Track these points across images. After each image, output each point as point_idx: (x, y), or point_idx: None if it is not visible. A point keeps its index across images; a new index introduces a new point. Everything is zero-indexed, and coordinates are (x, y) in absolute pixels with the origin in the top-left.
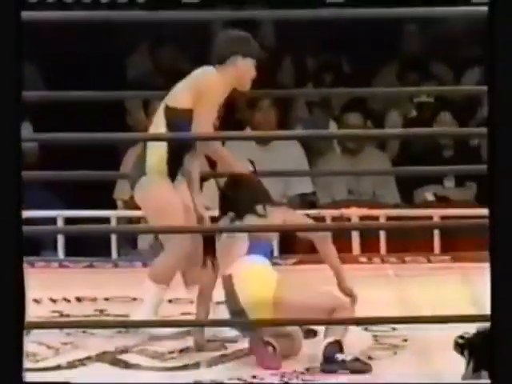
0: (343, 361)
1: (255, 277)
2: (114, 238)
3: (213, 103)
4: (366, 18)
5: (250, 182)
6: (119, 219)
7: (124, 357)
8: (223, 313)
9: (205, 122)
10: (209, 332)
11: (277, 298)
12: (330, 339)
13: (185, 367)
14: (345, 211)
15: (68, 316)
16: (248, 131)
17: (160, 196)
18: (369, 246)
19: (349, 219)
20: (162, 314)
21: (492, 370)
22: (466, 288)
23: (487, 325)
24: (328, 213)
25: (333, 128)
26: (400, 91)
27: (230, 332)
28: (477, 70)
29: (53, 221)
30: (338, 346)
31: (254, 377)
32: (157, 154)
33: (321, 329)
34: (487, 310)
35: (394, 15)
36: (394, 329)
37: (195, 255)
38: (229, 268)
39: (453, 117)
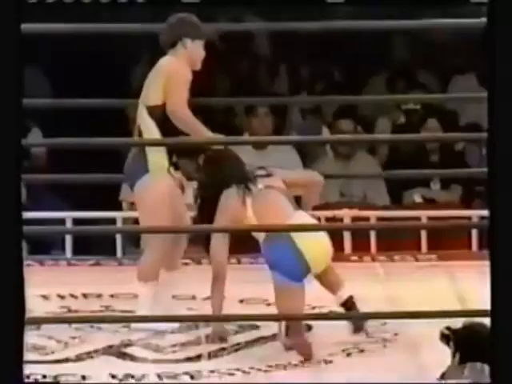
0: None
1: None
2: (119, 237)
3: (184, 84)
4: (360, 31)
5: (229, 155)
6: (124, 220)
7: (129, 350)
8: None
9: (178, 102)
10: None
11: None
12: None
13: (187, 360)
14: (337, 212)
15: (75, 311)
16: (246, 136)
17: (164, 193)
18: (360, 245)
19: (341, 220)
20: (165, 310)
21: (492, 369)
22: (451, 285)
23: (474, 319)
24: (321, 214)
25: (325, 134)
26: (389, 99)
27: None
28: (461, 78)
29: (61, 222)
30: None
31: (251, 368)
32: (157, 150)
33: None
34: (471, 305)
35: (391, 27)
36: (384, 323)
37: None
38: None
39: (439, 123)
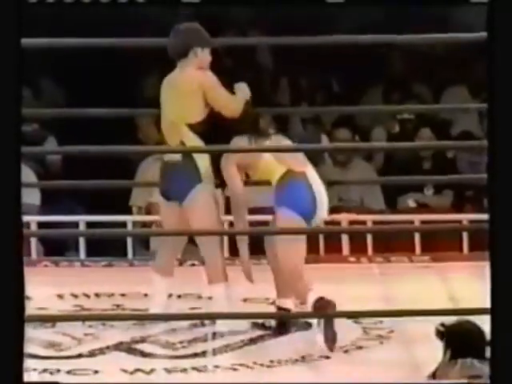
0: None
1: None
2: (129, 240)
3: (220, 86)
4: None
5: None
6: (134, 223)
7: (139, 346)
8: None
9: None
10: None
11: None
12: None
13: (193, 355)
14: (335, 216)
15: (88, 310)
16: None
17: (216, 199)
18: (357, 247)
19: (339, 223)
20: (173, 308)
21: (492, 369)
22: (443, 284)
23: (464, 317)
24: None
25: (324, 142)
26: (384, 109)
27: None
28: (453, 90)
29: (75, 225)
30: None
31: (254, 363)
32: (205, 160)
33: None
34: (463, 304)
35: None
36: (380, 321)
37: None
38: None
39: (432, 132)
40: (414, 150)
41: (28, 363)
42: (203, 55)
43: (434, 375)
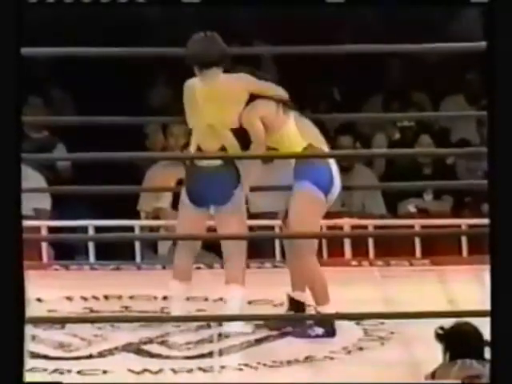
0: None
1: None
2: (137, 244)
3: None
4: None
5: None
6: (142, 228)
7: (147, 347)
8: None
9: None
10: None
11: None
12: None
13: (199, 356)
14: (338, 221)
15: (97, 312)
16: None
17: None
18: (359, 251)
19: (341, 228)
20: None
21: (492, 369)
22: (442, 287)
23: (462, 319)
24: (323, 222)
25: (326, 149)
26: (385, 117)
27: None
28: (452, 99)
29: (85, 229)
30: None
31: (258, 363)
32: (240, 163)
33: None
34: (461, 307)
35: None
36: (381, 323)
37: None
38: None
39: (431, 139)
40: (414, 156)
41: (38, 363)
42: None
43: (433, 376)
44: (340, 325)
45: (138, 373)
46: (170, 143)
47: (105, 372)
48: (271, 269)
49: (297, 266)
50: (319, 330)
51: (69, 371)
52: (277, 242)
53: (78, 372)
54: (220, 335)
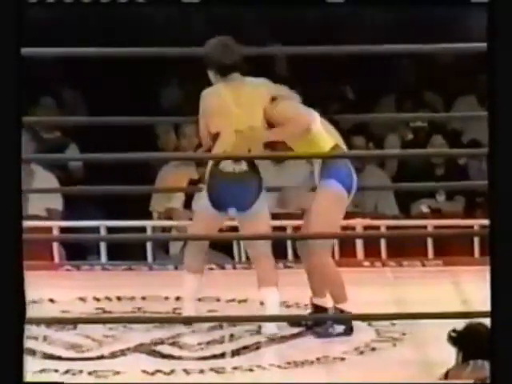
0: None
1: None
2: (149, 244)
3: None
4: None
5: None
6: (154, 228)
7: (158, 348)
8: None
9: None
10: None
11: None
12: None
13: (212, 357)
14: (350, 222)
15: (109, 312)
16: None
17: None
18: (371, 252)
19: (354, 228)
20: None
21: (492, 369)
22: (455, 288)
23: (475, 320)
24: None
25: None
26: (398, 117)
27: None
28: (464, 99)
29: (96, 230)
30: None
31: (271, 364)
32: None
33: None
34: (474, 307)
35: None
36: (393, 324)
37: None
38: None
39: (444, 140)
40: (427, 156)
41: (50, 364)
42: None
43: (446, 377)
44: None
45: (151, 374)
46: (182, 143)
47: (117, 373)
48: (283, 269)
49: (314, 266)
50: (340, 328)
51: (80, 372)
52: (288, 243)
53: (90, 373)
54: (231, 336)
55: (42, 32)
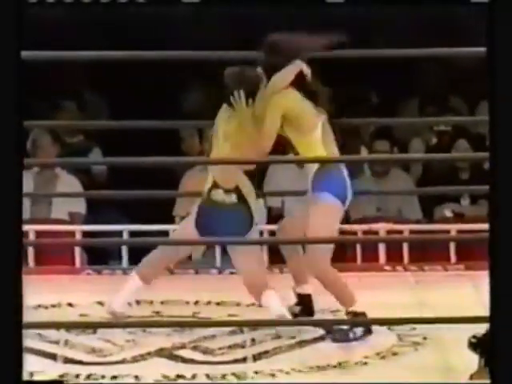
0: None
1: None
2: None
3: None
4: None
5: None
6: None
7: (180, 352)
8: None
9: None
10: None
11: None
12: None
13: (233, 361)
14: (373, 226)
15: (129, 317)
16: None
17: None
18: (393, 256)
19: (377, 233)
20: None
21: (492, 369)
22: (477, 293)
23: None
24: (359, 227)
25: (363, 153)
26: (422, 121)
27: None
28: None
29: (119, 234)
30: None
31: (293, 369)
32: (258, 203)
33: None
34: None
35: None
36: (414, 328)
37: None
38: None
39: (468, 143)
40: (451, 161)
41: (72, 369)
42: None
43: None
44: (373, 330)
45: (173, 379)
46: (205, 148)
47: (138, 377)
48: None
49: (315, 275)
50: (358, 331)
51: (103, 377)
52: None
53: (112, 377)
54: (253, 340)
55: (41, 32)
